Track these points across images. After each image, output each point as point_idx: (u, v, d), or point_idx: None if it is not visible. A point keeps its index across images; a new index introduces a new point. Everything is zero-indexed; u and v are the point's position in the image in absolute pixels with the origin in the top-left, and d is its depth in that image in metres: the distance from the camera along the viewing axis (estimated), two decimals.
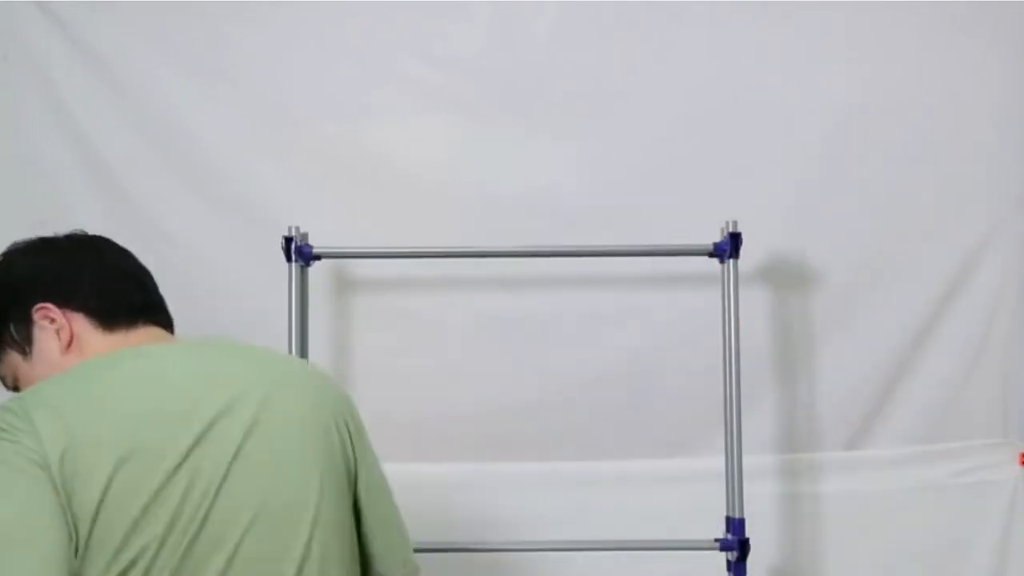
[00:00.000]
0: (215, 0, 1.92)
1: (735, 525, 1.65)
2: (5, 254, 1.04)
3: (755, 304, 1.87)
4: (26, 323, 0.98)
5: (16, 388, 1.01)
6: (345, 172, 1.93)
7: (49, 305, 0.98)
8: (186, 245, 1.93)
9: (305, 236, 1.71)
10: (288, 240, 1.68)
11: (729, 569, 1.65)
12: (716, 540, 1.65)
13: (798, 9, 1.88)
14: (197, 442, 0.87)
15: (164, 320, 1.06)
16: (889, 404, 1.94)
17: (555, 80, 1.90)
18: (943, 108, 1.89)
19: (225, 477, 0.88)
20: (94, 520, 0.80)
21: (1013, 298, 1.92)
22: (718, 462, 1.70)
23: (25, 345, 0.99)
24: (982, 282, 1.91)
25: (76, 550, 0.79)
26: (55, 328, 0.98)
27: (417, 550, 1.69)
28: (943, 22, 1.87)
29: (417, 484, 1.91)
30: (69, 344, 0.97)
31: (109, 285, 1.02)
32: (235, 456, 0.89)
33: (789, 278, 1.89)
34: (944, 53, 1.88)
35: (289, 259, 1.69)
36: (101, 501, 0.81)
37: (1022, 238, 1.91)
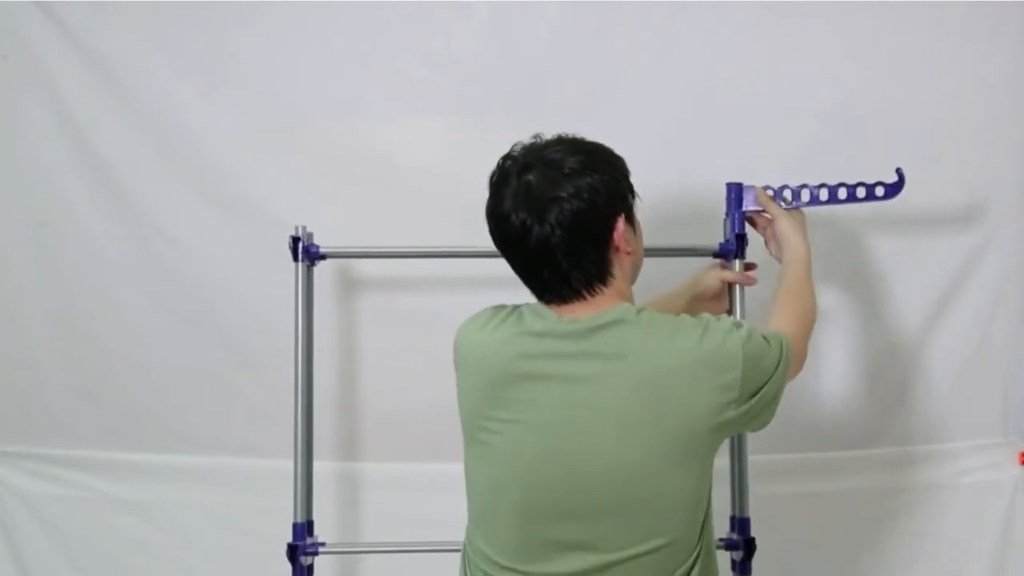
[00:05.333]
0: (215, 0, 1.91)
1: (740, 525, 1.65)
2: None
3: (758, 304, 1.87)
4: None
5: None
6: (345, 172, 1.92)
7: None
8: (186, 245, 1.93)
9: (311, 236, 1.71)
10: (295, 240, 1.68)
11: (734, 569, 1.64)
12: (721, 540, 1.64)
13: (799, 9, 1.88)
14: None
15: None
16: (890, 404, 1.94)
17: (555, 80, 1.89)
18: (943, 108, 1.89)
19: None
20: None
21: (1013, 298, 1.93)
22: (722, 462, 1.69)
23: None
24: (982, 282, 1.92)
25: None
26: None
27: (420, 550, 1.71)
28: (943, 22, 1.87)
29: (422, 483, 1.92)
30: None
31: None
32: None
33: None
34: (944, 53, 1.88)
35: (296, 259, 1.68)
36: None
37: (1022, 238, 1.92)
